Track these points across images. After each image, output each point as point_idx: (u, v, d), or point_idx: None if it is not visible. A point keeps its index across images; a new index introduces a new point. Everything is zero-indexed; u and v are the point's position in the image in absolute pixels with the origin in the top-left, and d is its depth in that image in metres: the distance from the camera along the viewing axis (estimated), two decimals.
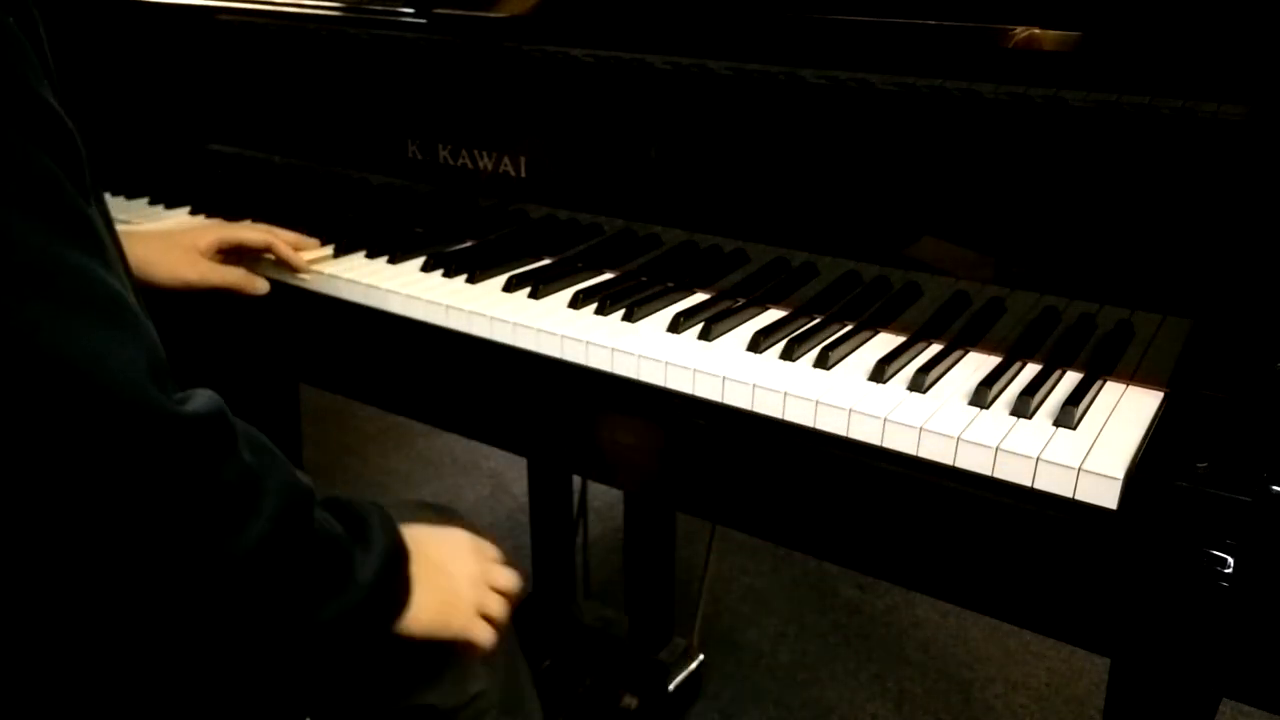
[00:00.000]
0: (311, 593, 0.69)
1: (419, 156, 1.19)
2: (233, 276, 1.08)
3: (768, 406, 0.84)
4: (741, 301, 1.00)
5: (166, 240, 1.07)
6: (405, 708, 0.95)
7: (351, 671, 0.88)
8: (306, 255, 1.13)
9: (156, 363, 0.62)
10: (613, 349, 0.91)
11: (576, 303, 1.00)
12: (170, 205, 1.33)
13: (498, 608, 0.87)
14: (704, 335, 0.93)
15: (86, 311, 0.59)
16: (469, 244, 1.18)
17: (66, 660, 0.69)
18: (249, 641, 0.68)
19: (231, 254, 1.11)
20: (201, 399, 0.65)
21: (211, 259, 1.08)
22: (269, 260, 1.13)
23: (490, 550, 0.91)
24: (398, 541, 0.77)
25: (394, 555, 0.76)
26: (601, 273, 1.09)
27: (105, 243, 0.65)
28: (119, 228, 1.05)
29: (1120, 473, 0.70)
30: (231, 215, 1.27)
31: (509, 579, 0.89)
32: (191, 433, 0.62)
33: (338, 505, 0.76)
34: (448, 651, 0.86)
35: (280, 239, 1.11)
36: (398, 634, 0.77)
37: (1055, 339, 0.87)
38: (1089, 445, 0.74)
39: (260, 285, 1.10)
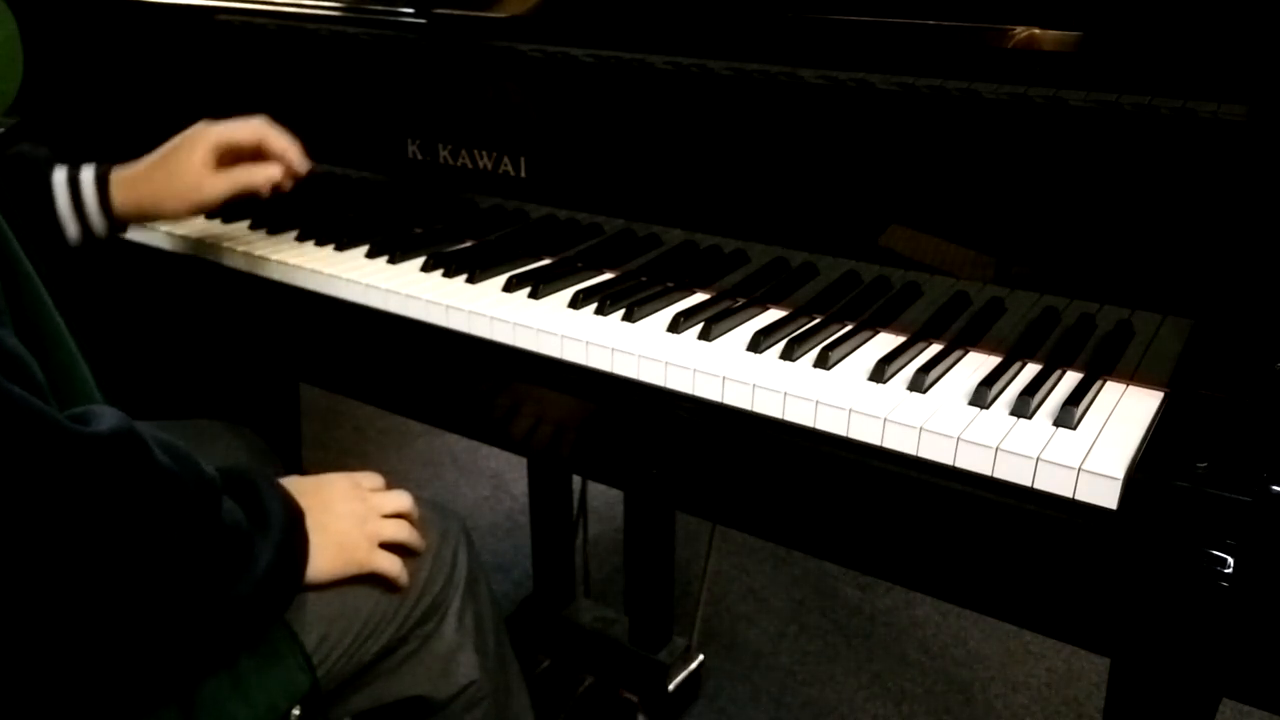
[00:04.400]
0: (222, 575, 0.74)
1: (419, 156, 1.19)
2: (241, 179, 1.07)
3: (768, 406, 0.84)
4: (741, 301, 1.00)
5: (168, 172, 1.06)
6: (397, 700, 0.96)
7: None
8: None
9: (41, 394, 0.66)
10: (613, 349, 0.91)
11: (576, 303, 1.00)
12: None
13: (394, 531, 0.92)
14: (704, 335, 0.93)
15: None
16: (469, 244, 1.18)
17: None
18: (173, 619, 0.72)
19: (228, 157, 1.09)
20: (106, 418, 0.68)
21: (214, 169, 1.07)
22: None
23: (369, 480, 0.95)
24: (292, 510, 0.83)
25: (290, 525, 0.81)
26: (601, 273, 1.09)
27: None
28: (124, 172, 1.06)
29: (1120, 473, 0.70)
30: (230, 215, 1.27)
31: (398, 500, 0.94)
32: (106, 449, 0.66)
33: (237, 483, 0.80)
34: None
35: (271, 138, 1.09)
36: (308, 586, 0.84)
37: (1055, 339, 0.87)
38: (1089, 445, 0.74)
39: (272, 172, 1.08)
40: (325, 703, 0.89)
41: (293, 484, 0.88)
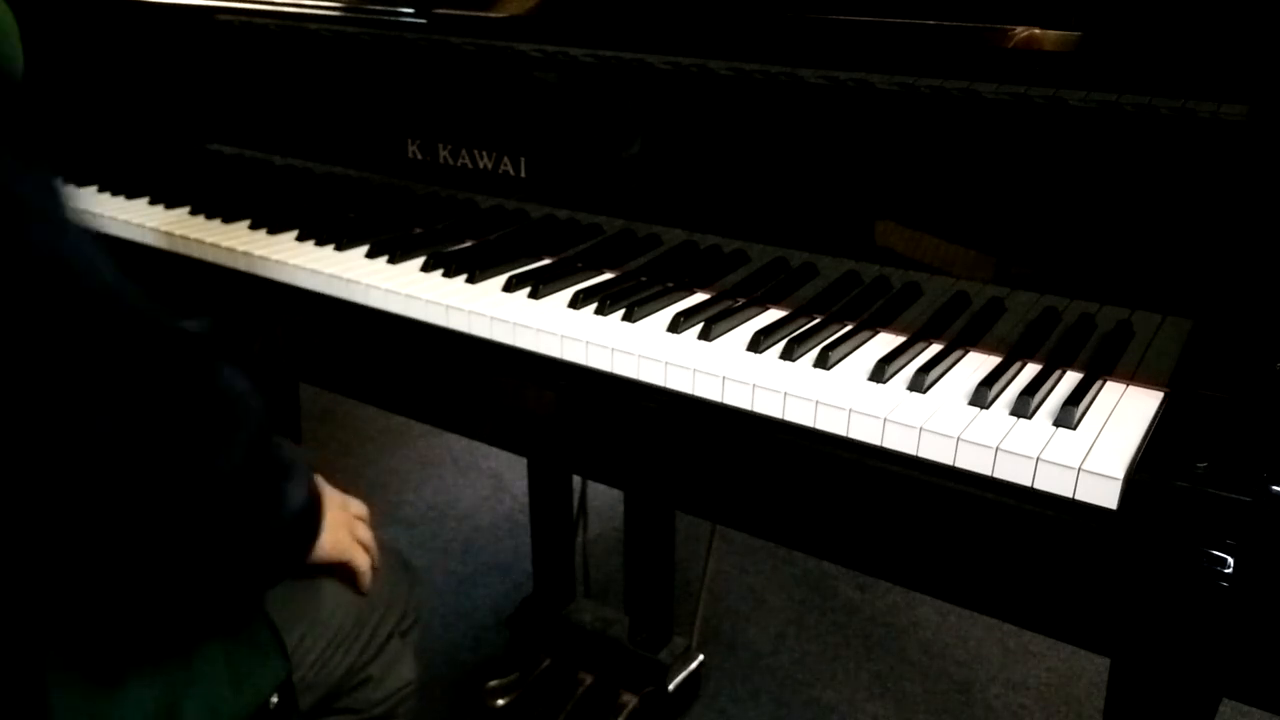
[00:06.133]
0: (273, 501, 0.75)
1: (419, 156, 1.19)
2: None
3: (768, 406, 0.84)
4: (741, 301, 1.00)
5: None
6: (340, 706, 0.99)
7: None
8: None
9: None
10: (613, 349, 0.92)
11: (576, 303, 1.00)
12: (170, 205, 1.33)
13: (366, 534, 0.97)
14: (704, 335, 0.93)
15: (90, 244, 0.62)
16: (469, 244, 1.18)
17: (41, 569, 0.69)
18: (226, 545, 0.71)
19: None
20: (192, 322, 0.68)
21: None
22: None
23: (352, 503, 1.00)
24: (310, 469, 0.84)
25: (311, 479, 0.83)
26: (601, 273, 1.09)
27: None
28: None
29: (1120, 473, 0.70)
30: (231, 215, 1.27)
31: (360, 507, 0.99)
32: (190, 345, 0.65)
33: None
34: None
35: None
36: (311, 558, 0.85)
37: (1055, 339, 0.87)
38: (1089, 445, 0.74)
39: None
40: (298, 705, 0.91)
41: None
